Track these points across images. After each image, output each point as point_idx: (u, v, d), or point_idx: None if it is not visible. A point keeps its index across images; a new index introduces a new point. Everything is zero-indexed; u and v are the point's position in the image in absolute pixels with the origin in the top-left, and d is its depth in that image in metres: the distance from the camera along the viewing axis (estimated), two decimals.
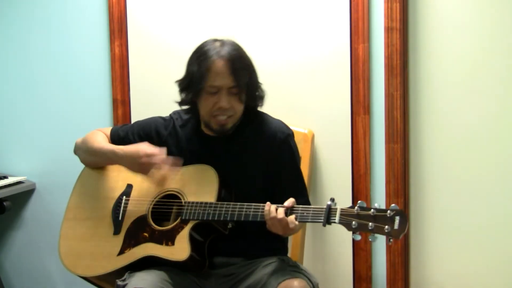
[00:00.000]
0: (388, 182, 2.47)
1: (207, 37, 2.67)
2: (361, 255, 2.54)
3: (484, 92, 2.36)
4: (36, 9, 2.96)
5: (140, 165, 2.11)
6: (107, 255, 2.13)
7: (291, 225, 1.93)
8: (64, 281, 3.05)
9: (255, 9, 2.62)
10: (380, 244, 2.52)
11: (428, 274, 2.51)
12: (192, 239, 2.03)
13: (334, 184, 2.56)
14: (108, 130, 2.33)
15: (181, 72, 2.74)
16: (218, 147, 2.18)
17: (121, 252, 2.11)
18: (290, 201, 1.97)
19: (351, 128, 2.52)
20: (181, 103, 2.21)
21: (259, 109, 2.24)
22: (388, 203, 2.47)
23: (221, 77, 2.07)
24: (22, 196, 3.04)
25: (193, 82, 2.11)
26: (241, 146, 2.17)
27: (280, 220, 1.94)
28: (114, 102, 2.85)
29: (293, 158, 2.21)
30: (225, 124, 2.12)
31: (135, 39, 2.80)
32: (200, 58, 2.11)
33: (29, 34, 2.99)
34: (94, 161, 2.28)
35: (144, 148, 2.12)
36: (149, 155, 2.09)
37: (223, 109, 2.09)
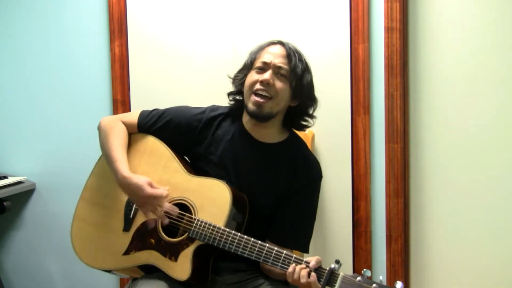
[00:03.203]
0: (388, 182, 2.47)
1: (207, 37, 2.70)
2: (361, 255, 2.54)
3: (484, 92, 2.37)
4: (35, 10, 2.96)
5: (139, 199, 2.06)
6: (114, 251, 2.13)
7: (314, 287, 1.86)
8: (64, 281, 3.05)
9: (255, 9, 2.62)
10: (380, 244, 2.53)
11: (428, 274, 2.51)
12: (195, 259, 2.02)
13: (334, 184, 2.56)
14: (135, 115, 2.26)
15: (180, 72, 2.75)
16: (255, 150, 2.14)
17: (127, 252, 2.12)
18: (316, 261, 1.89)
19: (351, 128, 2.52)
20: (230, 94, 2.20)
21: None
22: (388, 203, 2.47)
23: (272, 55, 2.08)
24: (22, 196, 3.04)
25: (246, 62, 2.15)
26: (277, 160, 2.13)
27: (304, 284, 1.88)
28: (114, 102, 2.85)
29: (315, 198, 2.19)
30: (261, 104, 2.06)
31: (135, 39, 2.80)
32: (260, 44, 2.16)
33: (29, 34, 2.99)
34: (104, 157, 2.24)
35: (148, 188, 2.04)
36: (150, 197, 2.04)
37: (265, 84, 2.05)
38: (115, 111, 2.84)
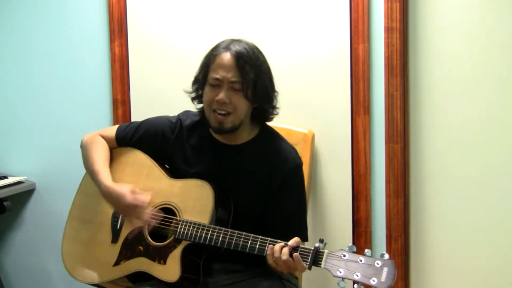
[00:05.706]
0: (388, 182, 2.47)
1: (207, 37, 2.70)
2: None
3: (484, 92, 2.37)
4: (35, 10, 2.97)
5: (123, 208, 2.08)
6: (104, 264, 2.15)
7: (300, 267, 1.85)
8: (64, 281, 3.05)
9: (255, 9, 2.62)
10: (380, 244, 2.53)
11: (428, 274, 2.51)
12: (184, 260, 2.02)
13: (334, 184, 2.56)
14: (113, 130, 2.29)
15: (180, 72, 2.75)
16: (226, 155, 2.13)
17: (117, 263, 2.13)
18: (294, 241, 1.89)
19: (351, 128, 2.52)
20: (193, 99, 2.18)
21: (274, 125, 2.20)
22: (388, 203, 2.47)
23: (223, 70, 2.03)
24: (22, 196, 3.04)
25: (199, 75, 2.12)
26: (250, 160, 2.12)
27: (285, 261, 1.87)
28: (114, 102, 2.85)
29: (300, 187, 2.15)
30: (222, 121, 2.05)
31: (135, 39, 2.80)
32: (210, 52, 2.10)
33: (29, 34, 2.99)
34: (87, 172, 2.26)
35: (129, 196, 2.06)
36: (132, 204, 2.05)
37: (221, 103, 2.03)
38: (115, 111, 2.84)
